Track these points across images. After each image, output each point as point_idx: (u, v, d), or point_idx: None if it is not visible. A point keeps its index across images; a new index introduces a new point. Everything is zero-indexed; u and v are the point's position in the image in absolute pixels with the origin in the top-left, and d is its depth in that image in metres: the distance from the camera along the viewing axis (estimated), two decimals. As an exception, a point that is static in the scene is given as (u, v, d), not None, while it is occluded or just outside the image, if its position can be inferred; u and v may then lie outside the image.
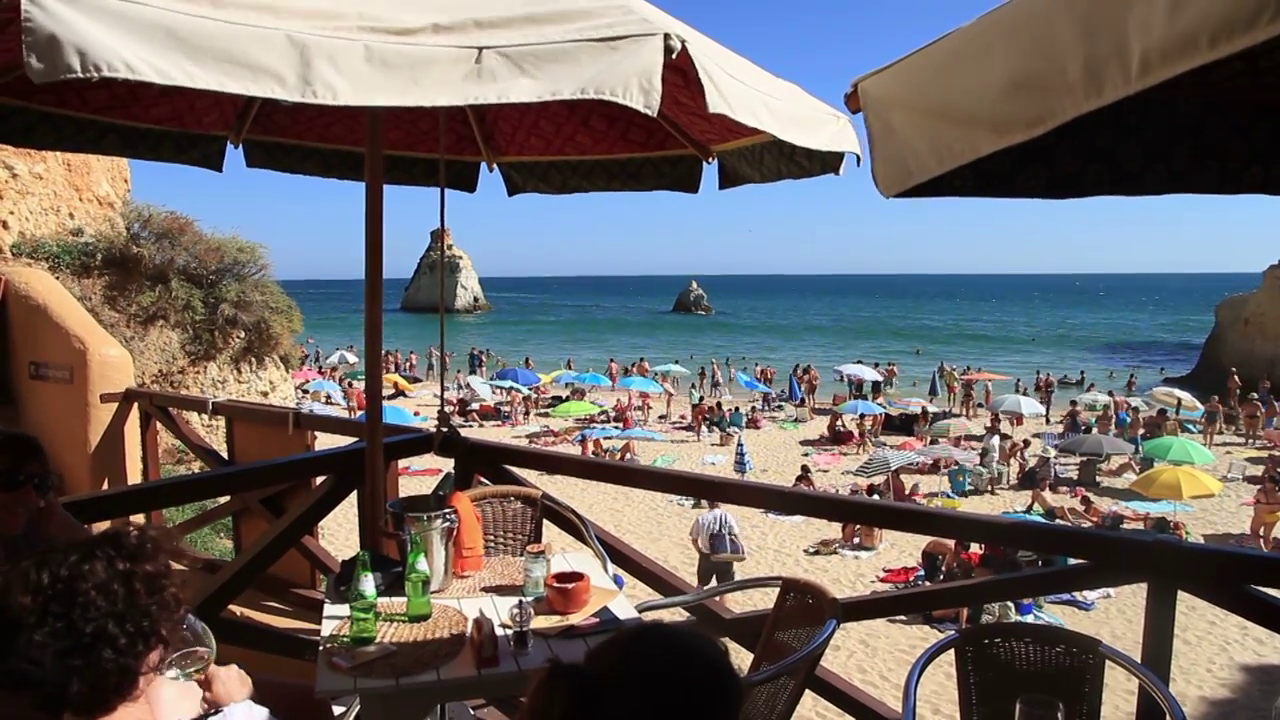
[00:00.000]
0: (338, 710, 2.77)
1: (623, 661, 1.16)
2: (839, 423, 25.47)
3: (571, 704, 1.10)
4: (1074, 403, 26.74)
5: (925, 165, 1.54)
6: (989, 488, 18.97)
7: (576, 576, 2.75)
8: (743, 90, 2.08)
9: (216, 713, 1.65)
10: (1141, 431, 23.46)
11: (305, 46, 1.66)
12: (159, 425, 6.21)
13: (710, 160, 3.39)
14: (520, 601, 2.54)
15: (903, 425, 25.98)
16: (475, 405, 29.00)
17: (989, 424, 23.00)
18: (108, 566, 1.40)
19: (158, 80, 1.52)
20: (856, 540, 14.37)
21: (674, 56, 1.83)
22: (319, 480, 4.16)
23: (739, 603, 3.82)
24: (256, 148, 3.76)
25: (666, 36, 1.83)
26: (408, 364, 40.72)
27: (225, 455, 5.96)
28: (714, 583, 8.27)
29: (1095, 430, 23.44)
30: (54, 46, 1.43)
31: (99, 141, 3.33)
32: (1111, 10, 1.08)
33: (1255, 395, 26.08)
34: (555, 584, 2.71)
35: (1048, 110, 1.24)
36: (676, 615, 3.82)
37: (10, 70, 2.69)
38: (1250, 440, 24.46)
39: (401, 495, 3.83)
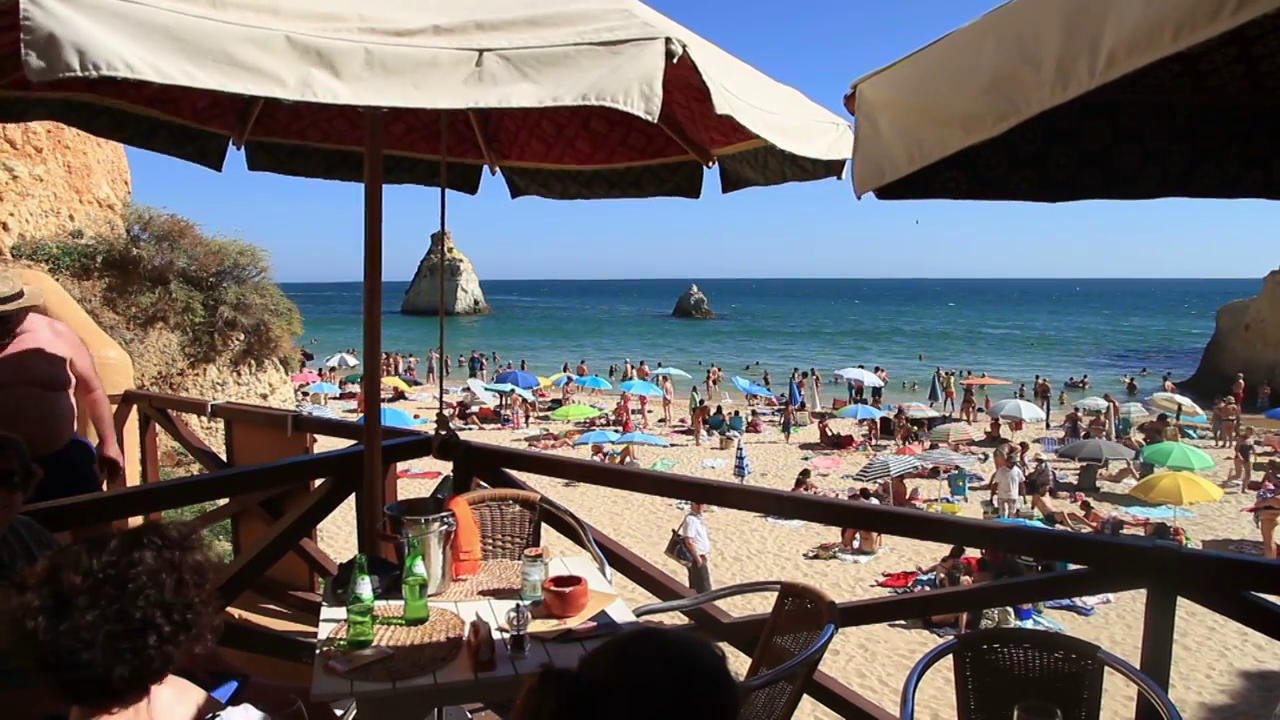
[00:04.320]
0: (337, 714, 2.76)
1: (617, 666, 1.15)
2: (829, 427, 25.45)
3: (561, 708, 1.09)
4: (1076, 408, 26.74)
5: (896, 164, 1.55)
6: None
7: (574, 580, 2.75)
8: (739, 104, 2.09)
9: (214, 717, 1.65)
10: (1141, 437, 23.45)
11: (305, 49, 1.65)
12: (158, 427, 6.19)
13: (711, 164, 3.39)
14: (518, 605, 2.54)
15: (896, 430, 25.86)
16: (475, 408, 29.00)
17: (989, 429, 22.96)
18: (157, 555, 1.44)
19: (157, 79, 1.53)
20: (856, 545, 14.36)
21: (675, 61, 1.83)
22: (318, 483, 4.15)
23: (737, 607, 3.81)
24: (258, 150, 3.76)
25: (668, 41, 1.83)
26: (407, 369, 40.67)
27: (224, 458, 5.95)
28: (694, 592, 8.35)
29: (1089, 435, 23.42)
30: (53, 45, 1.43)
31: (91, 122, 3.27)
32: (1095, 9, 1.09)
33: (1230, 399, 26.03)
34: (553, 588, 2.70)
35: (1013, 106, 1.25)
36: (675, 619, 3.81)
37: (13, 71, 2.69)
38: (1226, 443, 24.46)
39: (400, 498, 3.83)
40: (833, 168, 2.72)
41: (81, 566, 1.37)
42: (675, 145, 3.39)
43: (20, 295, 3.69)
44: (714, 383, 35.21)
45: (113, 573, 1.38)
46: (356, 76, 1.69)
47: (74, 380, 4.02)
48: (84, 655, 1.34)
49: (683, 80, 2.58)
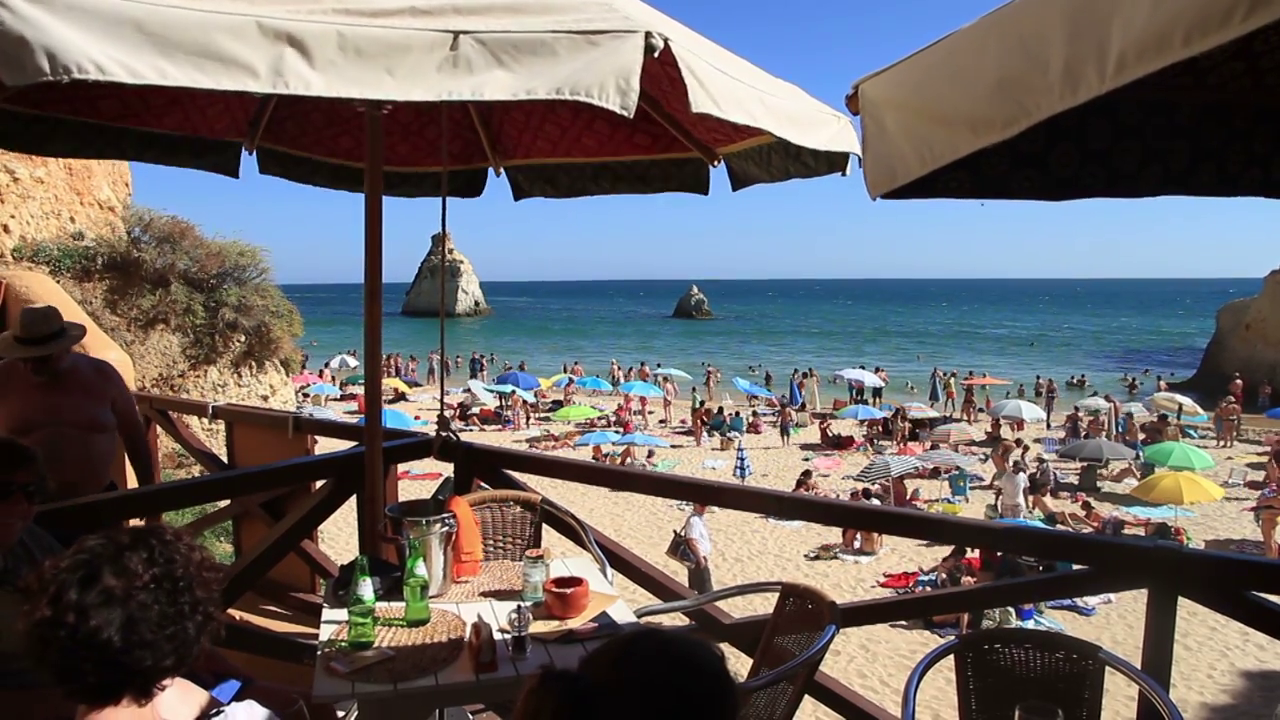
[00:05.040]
0: (339, 715, 2.76)
1: (617, 666, 1.15)
2: (829, 428, 25.45)
3: (562, 709, 1.09)
4: (1076, 408, 26.76)
5: (909, 167, 1.55)
6: None
7: (575, 581, 2.75)
8: (735, 87, 2.05)
9: (218, 714, 1.65)
10: (1142, 437, 23.45)
11: (278, 34, 1.62)
12: (159, 429, 6.20)
13: (716, 164, 3.39)
14: (519, 606, 2.54)
15: (895, 431, 25.79)
16: (475, 409, 29.00)
17: (990, 429, 22.97)
18: (184, 550, 1.48)
19: (129, 80, 1.50)
20: (857, 545, 14.35)
21: (656, 55, 1.80)
22: (319, 484, 4.16)
23: (738, 608, 3.81)
24: (269, 156, 3.78)
25: (648, 35, 1.79)
26: (409, 370, 40.63)
27: (225, 459, 5.96)
28: (695, 593, 8.41)
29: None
30: (23, 49, 1.40)
31: (117, 145, 3.34)
32: (1100, 10, 1.08)
33: (1230, 398, 25.95)
34: (554, 589, 2.70)
35: (1023, 110, 1.25)
36: (676, 620, 3.81)
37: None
38: (1227, 443, 24.41)
39: (401, 499, 3.83)
40: (835, 162, 2.70)
41: (132, 563, 1.40)
42: (680, 144, 3.39)
43: (62, 334, 3.60)
44: (713, 384, 35.20)
45: (159, 571, 1.41)
46: (330, 62, 1.66)
47: (115, 421, 3.89)
48: (142, 651, 1.37)
49: (681, 82, 2.58)
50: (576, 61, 1.77)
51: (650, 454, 21.39)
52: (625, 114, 1.76)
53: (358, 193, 3.85)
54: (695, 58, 1.91)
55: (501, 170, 3.97)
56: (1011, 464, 17.07)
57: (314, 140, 3.79)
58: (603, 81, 1.75)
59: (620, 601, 2.80)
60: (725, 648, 3.40)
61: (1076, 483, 19.52)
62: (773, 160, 3.00)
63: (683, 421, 28.40)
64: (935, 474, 19.72)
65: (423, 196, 4.02)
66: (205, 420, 7.32)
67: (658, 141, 3.46)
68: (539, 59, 1.77)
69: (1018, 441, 21.02)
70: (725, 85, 2.00)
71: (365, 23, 1.71)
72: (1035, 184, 1.87)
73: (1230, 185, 1.96)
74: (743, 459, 19.84)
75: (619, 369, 39.27)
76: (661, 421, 29.27)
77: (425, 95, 1.73)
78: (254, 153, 3.72)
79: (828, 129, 2.45)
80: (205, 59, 1.57)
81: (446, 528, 2.86)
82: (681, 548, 11.72)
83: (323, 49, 1.65)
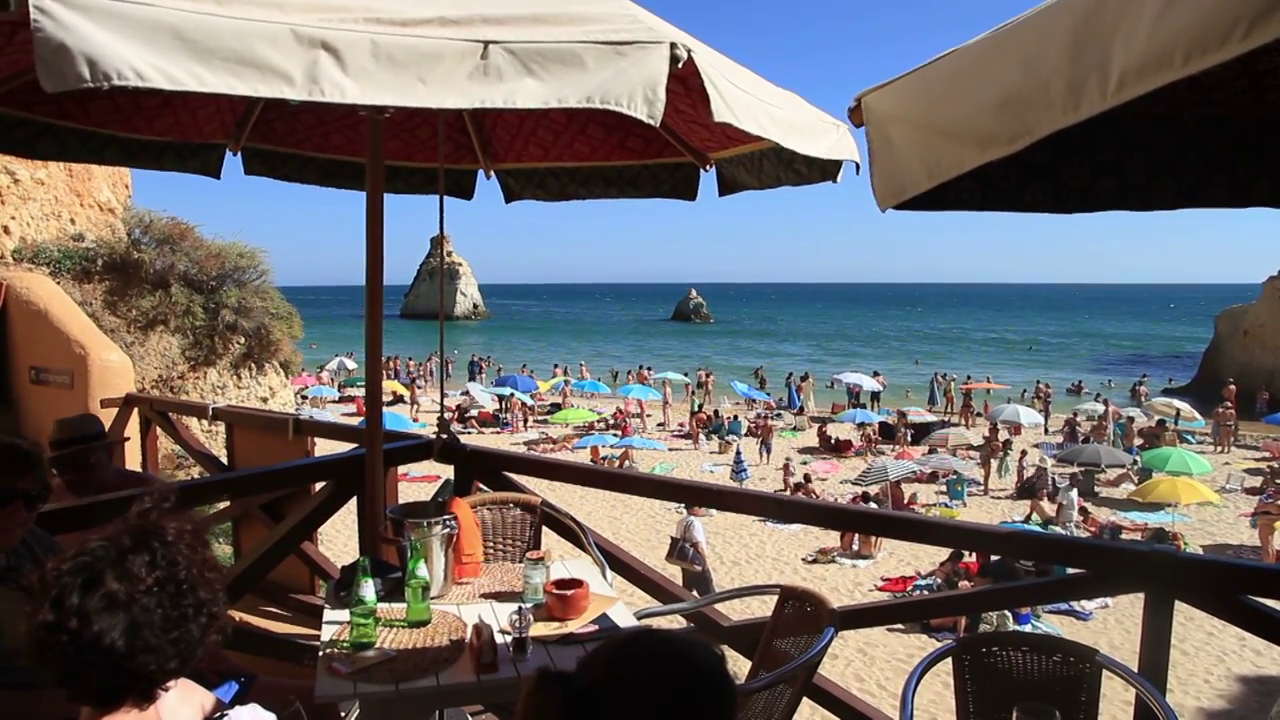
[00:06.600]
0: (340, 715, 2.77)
1: (613, 668, 1.15)
2: (827, 431, 25.48)
3: (560, 711, 1.09)
4: (1075, 412, 26.76)
5: (916, 180, 1.56)
6: None
7: (575, 583, 2.76)
8: (746, 99, 2.08)
9: (222, 717, 1.66)
10: (1140, 442, 23.46)
11: (311, 42, 1.63)
12: (159, 430, 6.21)
13: (708, 168, 3.41)
14: (519, 608, 2.55)
15: (891, 434, 25.82)
16: (474, 412, 29.00)
17: (987, 434, 23.00)
18: (186, 551, 1.47)
19: (167, 86, 1.51)
20: (855, 549, 14.36)
21: (679, 66, 1.84)
22: (319, 486, 4.16)
23: (737, 610, 3.82)
24: (255, 156, 3.78)
25: (673, 46, 1.83)
26: (410, 369, 40.57)
27: (225, 461, 5.96)
28: (694, 593, 8.38)
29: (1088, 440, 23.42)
30: (64, 56, 1.40)
31: (101, 153, 3.35)
32: (1101, 29, 1.10)
33: (1227, 404, 25.94)
34: (554, 590, 2.72)
35: (1025, 126, 1.26)
36: (675, 623, 3.82)
37: (13, 79, 2.71)
38: (1224, 449, 24.46)
39: (401, 501, 3.84)
40: (828, 170, 2.72)
41: (135, 567, 1.39)
42: (672, 148, 3.41)
43: (100, 435, 3.58)
44: (707, 387, 35.13)
45: (161, 574, 1.41)
46: (363, 70, 1.66)
47: None
48: (146, 656, 1.37)
49: (682, 85, 2.60)
50: (605, 71, 1.79)
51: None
52: (652, 122, 1.79)
53: (348, 189, 3.87)
54: (713, 69, 1.94)
55: (492, 173, 3.98)
56: (1067, 481, 16.85)
57: (304, 138, 3.78)
58: (631, 91, 1.77)
59: (620, 603, 2.81)
60: (724, 650, 3.41)
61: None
62: (764, 167, 3.02)
63: (681, 425, 28.41)
64: (933, 478, 19.74)
65: (413, 193, 4.03)
66: (205, 422, 7.31)
67: (650, 146, 3.49)
68: (568, 68, 1.79)
69: (1005, 444, 21.03)
70: (739, 97, 2.03)
71: (396, 32, 1.72)
72: (1047, 196, 1.88)
73: (1242, 196, 1.97)
74: (740, 462, 19.84)
75: (587, 370, 39.96)
76: (660, 425, 29.28)
77: (460, 103, 1.75)
78: (239, 154, 3.72)
79: (828, 137, 2.47)
80: (242, 65, 1.58)
81: (448, 529, 2.87)
82: (691, 552, 11.62)
83: (356, 57, 1.66)
